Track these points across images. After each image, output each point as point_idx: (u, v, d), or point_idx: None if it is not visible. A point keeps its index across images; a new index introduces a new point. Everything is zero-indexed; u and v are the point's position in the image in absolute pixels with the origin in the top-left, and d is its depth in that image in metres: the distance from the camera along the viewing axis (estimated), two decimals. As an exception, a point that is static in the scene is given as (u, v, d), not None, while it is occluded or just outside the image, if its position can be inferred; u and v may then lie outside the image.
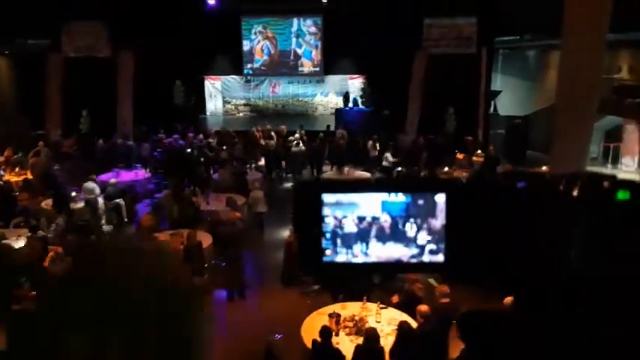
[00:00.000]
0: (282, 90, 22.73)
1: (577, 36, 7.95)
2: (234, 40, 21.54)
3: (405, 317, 6.19)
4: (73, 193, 10.94)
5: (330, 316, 6.24)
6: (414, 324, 5.93)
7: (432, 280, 7.64)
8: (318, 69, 22.33)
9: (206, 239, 8.72)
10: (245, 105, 22.86)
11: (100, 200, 10.84)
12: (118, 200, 11.18)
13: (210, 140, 15.87)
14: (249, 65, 22.28)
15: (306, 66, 22.38)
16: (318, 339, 5.58)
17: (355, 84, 21.63)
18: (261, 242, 10.76)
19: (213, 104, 22.69)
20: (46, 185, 11.65)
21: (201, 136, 16.12)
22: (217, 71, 22.32)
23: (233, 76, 22.49)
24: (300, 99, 22.76)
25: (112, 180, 11.84)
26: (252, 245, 9.88)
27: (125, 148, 14.90)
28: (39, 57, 17.28)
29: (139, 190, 12.84)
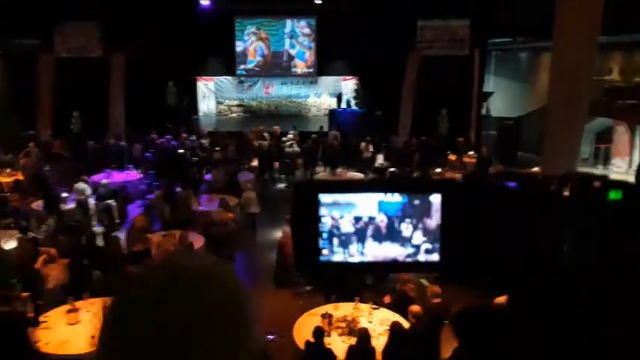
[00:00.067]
0: (275, 91, 22.69)
1: (568, 38, 8.00)
2: (228, 40, 21.50)
3: (397, 318, 6.20)
4: (64, 194, 10.86)
5: (323, 316, 6.25)
6: (406, 324, 5.94)
7: (423, 281, 7.64)
8: (311, 70, 22.32)
9: (198, 240, 8.68)
10: (238, 106, 22.81)
11: (92, 201, 10.79)
12: (109, 201, 11.12)
13: (203, 141, 15.82)
14: (242, 66, 22.24)
15: (300, 67, 22.36)
16: (311, 339, 5.59)
17: (348, 85, 21.65)
18: (254, 243, 10.74)
19: (206, 105, 22.61)
20: (36, 186, 11.56)
21: (193, 137, 16.07)
22: (210, 72, 22.27)
23: (226, 77, 22.42)
24: (294, 100, 22.72)
25: (104, 181, 11.76)
26: (245, 246, 9.86)
27: (117, 149, 14.84)
28: (30, 57, 17.15)
29: (130, 190, 12.77)
